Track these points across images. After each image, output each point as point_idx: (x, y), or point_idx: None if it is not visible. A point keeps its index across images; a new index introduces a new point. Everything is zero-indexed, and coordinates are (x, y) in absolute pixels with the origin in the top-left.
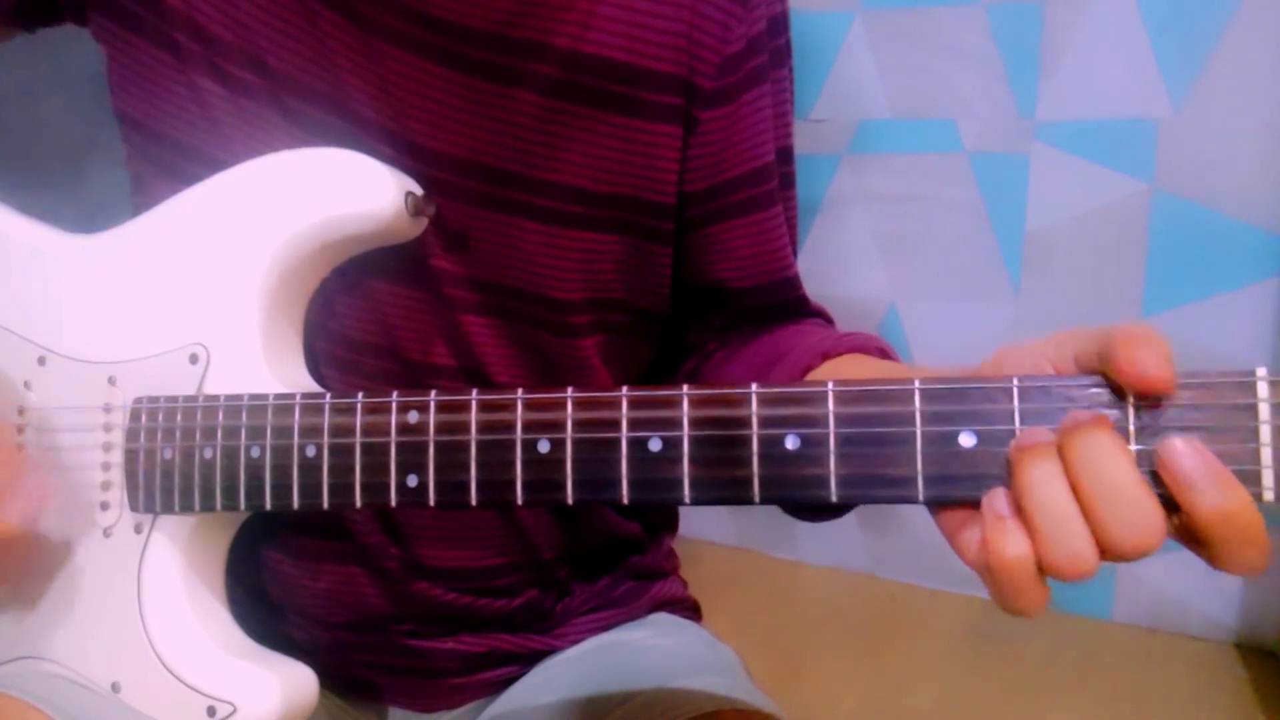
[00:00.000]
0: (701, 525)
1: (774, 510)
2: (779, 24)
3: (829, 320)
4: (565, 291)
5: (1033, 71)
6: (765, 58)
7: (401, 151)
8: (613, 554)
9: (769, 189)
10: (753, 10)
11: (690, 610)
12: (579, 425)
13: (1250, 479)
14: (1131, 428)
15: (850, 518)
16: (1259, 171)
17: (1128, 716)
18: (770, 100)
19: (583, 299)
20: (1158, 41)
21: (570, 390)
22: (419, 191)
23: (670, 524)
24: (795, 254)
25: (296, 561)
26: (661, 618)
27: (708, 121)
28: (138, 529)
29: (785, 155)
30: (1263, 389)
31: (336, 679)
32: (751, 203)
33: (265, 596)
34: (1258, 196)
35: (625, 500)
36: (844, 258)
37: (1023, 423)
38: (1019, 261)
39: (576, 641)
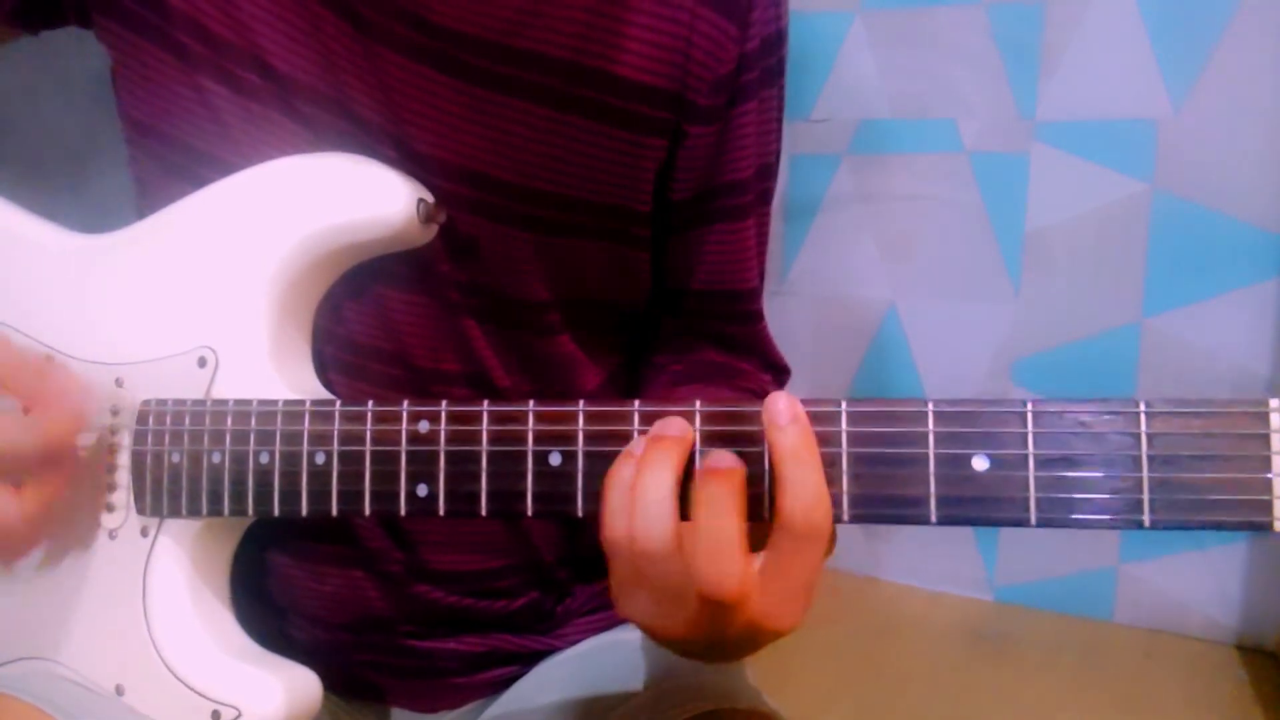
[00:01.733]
0: None
1: None
2: (772, 43)
3: (780, 371)
4: (544, 292)
5: (1033, 71)
6: (755, 75)
7: (404, 155)
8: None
9: (743, 202)
10: (749, 28)
11: None
12: (590, 438)
13: (1260, 509)
14: (1144, 455)
15: None
16: (1259, 171)
17: (1128, 717)
18: (755, 117)
19: (561, 299)
20: (1158, 41)
21: (582, 403)
22: (430, 198)
23: None
24: (762, 268)
25: (300, 564)
26: None
27: (696, 136)
28: (144, 532)
29: (766, 172)
30: (1276, 420)
31: (338, 680)
32: (724, 212)
33: (267, 598)
34: (1258, 196)
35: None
36: (844, 258)
37: (1036, 446)
38: (1019, 261)
39: (577, 642)
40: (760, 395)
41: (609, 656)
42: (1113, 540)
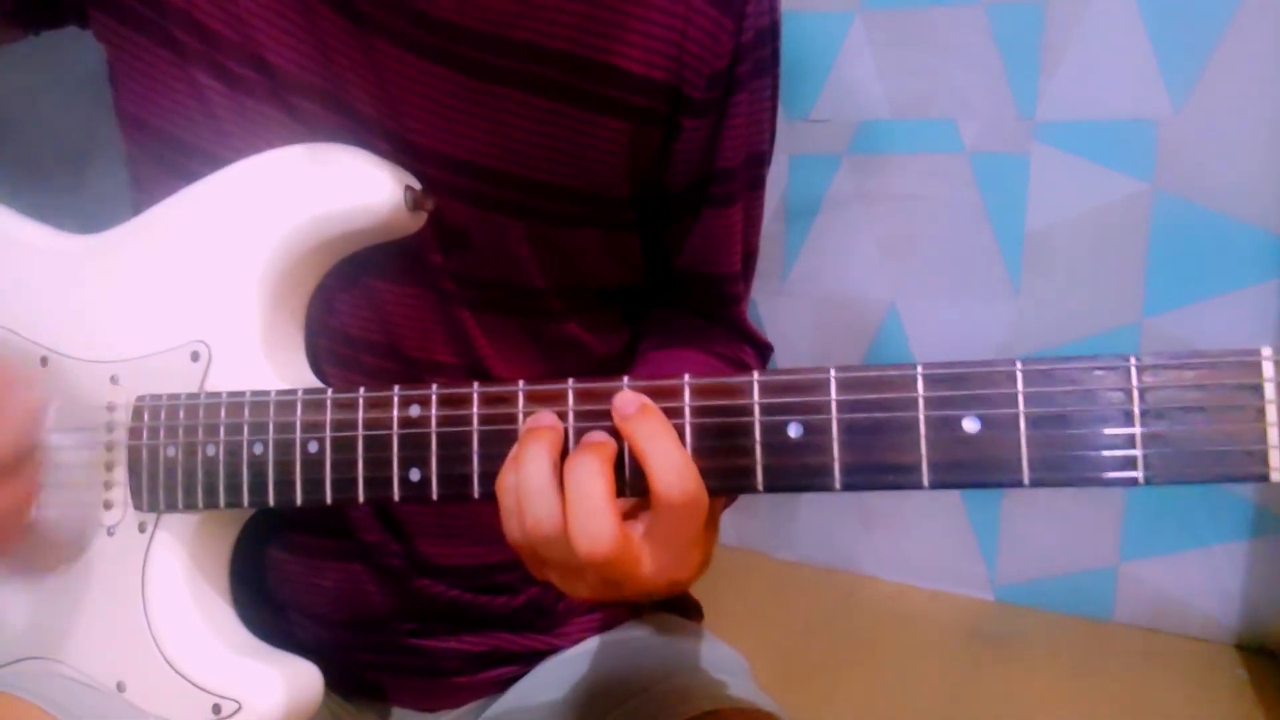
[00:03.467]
0: None
1: (775, 510)
2: (765, 35)
3: (760, 349)
4: (547, 279)
5: (1033, 71)
6: (748, 67)
7: (399, 149)
8: None
9: (731, 189)
10: (744, 20)
11: (691, 611)
12: (580, 416)
13: (1257, 459)
14: (1136, 410)
15: (852, 517)
16: (1259, 171)
17: (1128, 717)
18: (746, 108)
19: (559, 286)
20: (1158, 41)
21: (571, 382)
22: (417, 186)
23: None
24: (753, 252)
25: (299, 559)
26: (662, 618)
27: (692, 130)
28: (141, 527)
29: (757, 159)
30: (1268, 369)
31: (339, 679)
32: (713, 198)
33: (268, 595)
34: (1258, 196)
35: (628, 491)
36: (844, 258)
37: (1026, 406)
38: (1019, 261)
39: (578, 641)
40: (736, 363)
41: (609, 656)
42: (1113, 539)
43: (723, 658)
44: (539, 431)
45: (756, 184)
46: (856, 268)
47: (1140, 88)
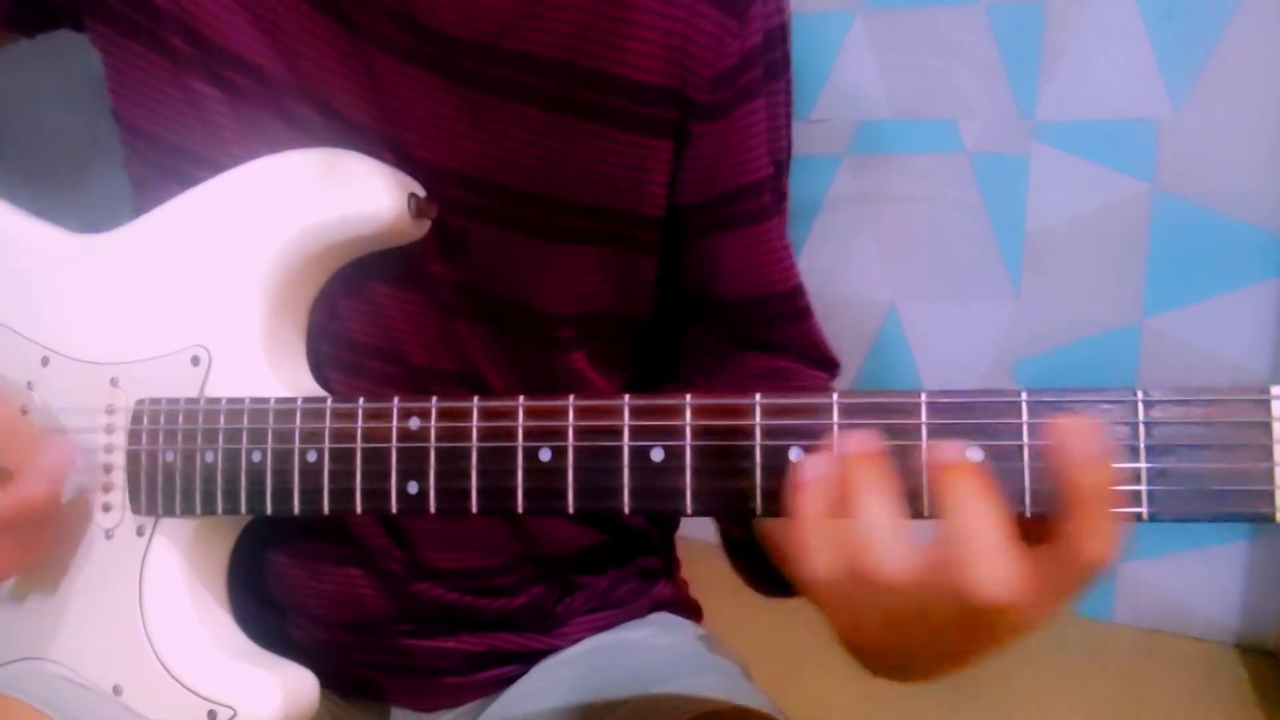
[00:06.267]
0: (702, 525)
1: None
2: (775, 37)
3: (829, 365)
4: (554, 305)
5: (1033, 71)
6: (760, 71)
7: (397, 159)
8: (620, 549)
9: (763, 204)
10: (749, 24)
11: (691, 611)
12: (581, 434)
13: (1262, 499)
14: (1142, 445)
15: None
16: (1259, 171)
17: (1128, 716)
18: (764, 115)
19: (571, 313)
20: (1158, 41)
21: (572, 399)
22: (421, 193)
23: (673, 520)
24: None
25: (299, 563)
26: (662, 618)
27: (701, 135)
28: (140, 531)
29: (781, 168)
30: (1277, 408)
31: (337, 679)
32: (744, 217)
33: (266, 597)
34: (1258, 196)
35: (626, 510)
36: (844, 258)
37: (1030, 437)
38: (1019, 261)
39: (577, 641)
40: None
41: (609, 656)
42: None
43: (722, 658)
44: (873, 459)
45: (784, 195)
46: (856, 268)
47: (1140, 87)
